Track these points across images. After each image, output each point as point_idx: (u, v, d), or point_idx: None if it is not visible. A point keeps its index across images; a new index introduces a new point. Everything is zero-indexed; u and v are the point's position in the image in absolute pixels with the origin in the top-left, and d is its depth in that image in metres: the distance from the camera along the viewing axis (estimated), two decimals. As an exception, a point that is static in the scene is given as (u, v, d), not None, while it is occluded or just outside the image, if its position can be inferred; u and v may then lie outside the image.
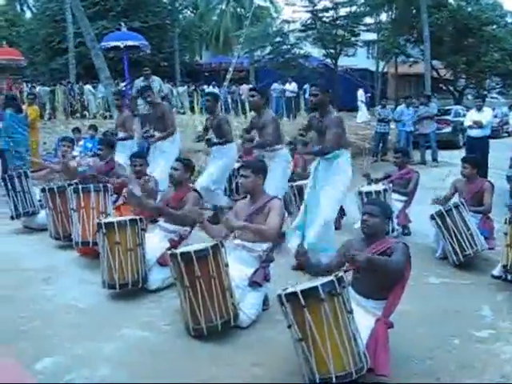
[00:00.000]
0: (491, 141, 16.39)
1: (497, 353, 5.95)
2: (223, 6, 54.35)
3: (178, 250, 6.27)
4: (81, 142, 15.61)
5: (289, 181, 10.70)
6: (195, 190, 8.09)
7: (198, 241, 7.45)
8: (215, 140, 11.00)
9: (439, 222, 8.80)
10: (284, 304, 4.89)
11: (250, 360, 5.63)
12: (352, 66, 34.74)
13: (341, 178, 8.32)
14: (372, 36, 38.68)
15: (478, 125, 15.71)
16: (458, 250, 8.62)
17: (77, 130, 16.48)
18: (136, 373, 5.39)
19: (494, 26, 36.91)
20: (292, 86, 32.81)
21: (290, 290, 4.92)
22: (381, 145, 21.51)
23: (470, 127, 16.07)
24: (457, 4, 37.00)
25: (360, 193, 9.99)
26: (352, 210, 10.36)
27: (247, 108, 31.84)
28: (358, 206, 9.77)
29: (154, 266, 7.52)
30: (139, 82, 16.86)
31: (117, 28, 26.14)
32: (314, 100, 8.40)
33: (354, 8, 32.79)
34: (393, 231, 9.53)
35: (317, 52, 34.71)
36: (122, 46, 17.14)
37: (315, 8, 31.48)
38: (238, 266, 6.57)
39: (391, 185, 10.39)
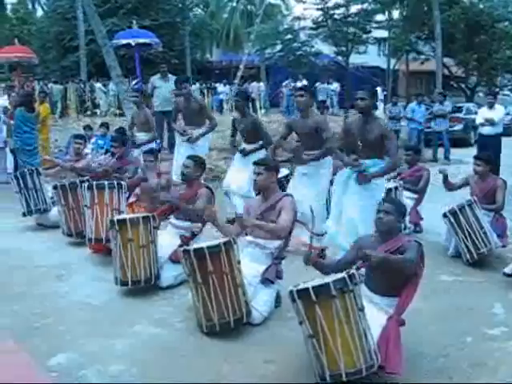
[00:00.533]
0: (503, 138, 16.31)
1: (509, 351, 5.93)
2: (234, 4, 54.29)
3: (191, 247, 6.31)
4: (92, 140, 15.62)
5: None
6: (207, 187, 8.09)
7: (209, 237, 7.49)
8: (247, 146, 10.39)
9: (452, 220, 8.75)
10: (295, 300, 4.89)
11: (262, 357, 5.64)
12: (363, 63, 34.58)
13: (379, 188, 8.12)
14: (383, 33, 38.53)
15: (490, 122, 15.63)
16: (471, 248, 8.59)
17: (88, 127, 16.50)
18: (148, 369, 5.42)
19: (506, 23, 36.65)
20: (303, 84, 32.79)
21: (302, 286, 4.93)
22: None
23: (482, 125, 15.99)
24: (469, 1, 36.80)
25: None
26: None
27: (257, 106, 31.94)
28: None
29: (166, 263, 7.53)
30: (155, 80, 16.88)
31: (128, 26, 26.18)
32: (361, 104, 7.85)
33: (365, 5, 32.63)
34: (404, 229, 9.50)
35: (328, 49, 34.57)
36: (133, 43, 17.18)
37: (326, 5, 31.38)
38: (250, 264, 6.59)
39: (402, 182, 10.36)
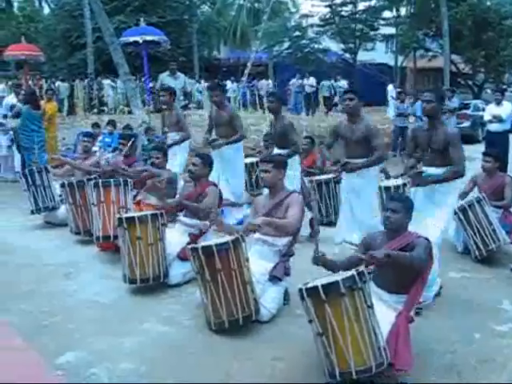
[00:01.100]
0: (511, 135, 16.28)
1: (518, 347, 5.94)
2: (241, 1, 54.26)
3: (200, 244, 6.32)
4: (100, 137, 15.63)
5: (308, 175, 10.71)
6: (214, 185, 8.10)
7: (217, 235, 7.51)
8: (279, 151, 9.89)
9: (461, 217, 8.77)
10: (305, 299, 4.89)
11: (270, 354, 5.64)
12: (370, 60, 34.55)
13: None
14: (391, 30, 38.48)
15: (498, 119, 15.59)
16: (480, 244, 8.60)
17: (96, 125, 16.50)
18: (157, 367, 5.43)
19: (514, 20, 36.67)
20: (310, 81, 32.81)
21: (311, 284, 4.94)
22: (400, 139, 21.40)
23: (490, 121, 15.96)
24: (476, -2, 36.80)
25: (379, 188, 9.92)
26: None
27: (265, 104, 31.90)
28: (378, 201, 9.71)
29: (175, 261, 7.55)
30: (164, 77, 16.85)
31: (135, 23, 26.18)
32: (428, 107, 7.15)
33: (372, 2, 32.64)
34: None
35: (335, 47, 34.57)
36: (141, 40, 17.09)
37: (334, 2, 31.39)
38: (259, 261, 6.59)
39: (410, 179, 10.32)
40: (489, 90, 38.11)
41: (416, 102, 22.48)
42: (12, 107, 15.16)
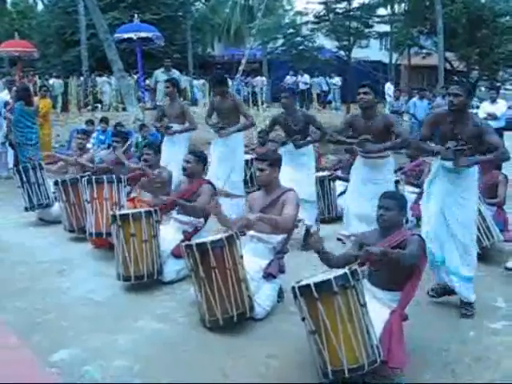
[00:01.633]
0: (506, 133, 16.31)
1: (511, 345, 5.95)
2: (234, -2, 54.24)
3: (194, 241, 6.31)
4: (94, 135, 15.61)
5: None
6: (209, 182, 8.09)
7: (211, 232, 7.51)
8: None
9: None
10: (297, 297, 4.90)
11: (264, 352, 5.64)
12: (365, 57, 34.52)
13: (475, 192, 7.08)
14: (385, 28, 38.43)
15: (492, 116, 15.63)
16: (475, 242, 8.62)
17: (90, 122, 16.49)
18: (151, 364, 5.43)
19: (508, 18, 36.59)
20: (304, 78, 32.89)
21: (304, 282, 4.94)
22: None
23: (484, 119, 15.98)
24: (470, -5, 36.82)
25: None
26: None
27: (259, 100, 31.92)
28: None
29: (169, 258, 7.55)
30: (159, 74, 16.85)
31: (129, 20, 26.13)
32: (455, 101, 6.60)
33: (367, -1, 32.67)
34: (406, 222, 9.47)
35: (330, 44, 34.50)
36: (135, 37, 17.11)
37: (328, -1, 31.36)
38: (253, 258, 6.59)
39: (403, 176, 10.34)
40: (483, 88, 38.17)
41: (410, 99, 22.53)
42: (6, 104, 15.13)
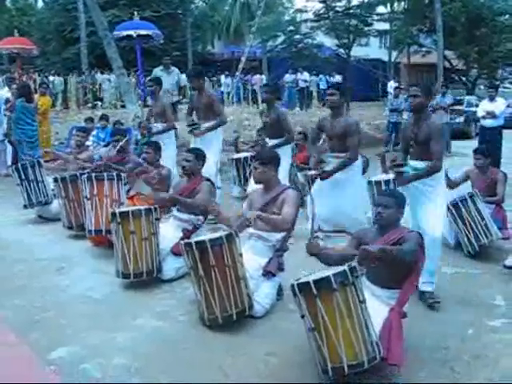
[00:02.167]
0: (505, 131, 16.31)
1: (510, 343, 5.94)
2: (234, -4, 54.21)
3: (193, 239, 6.31)
4: (93, 132, 15.58)
5: (301, 170, 10.71)
6: (208, 180, 8.08)
7: (210, 230, 7.51)
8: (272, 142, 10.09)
9: (454, 212, 8.78)
10: (297, 294, 4.90)
11: (264, 349, 5.64)
12: (364, 56, 34.56)
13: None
14: (385, 26, 38.49)
15: (491, 115, 15.64)
16: (472, 239, 8.61)
17: (90, 119, 16.46)
18: (150, 362, 5.42)
19: (507, 16, 36.72)
20: (304, 76, 32.87)
21: (303, 280, 4.95)
22: (393, 135, 21.42)
23: (483, 117, 16.00)
24: (469, -6, 36.85)
25: (369, 182, 9.95)
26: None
27: (259, 98, 31.92)
28: (369, 196, 9.72)
29: (168, 256, 7.53)
30: (158, 72, 16.84)
31: (129, 17, 26.11)
32: (414, 102, 6.98)
33: (366, -3, 32.69)
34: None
35: (329, 42, 34.53)
36: (134, 35, 17.06)
37: (328, -3, 31.37)
38: (252, 256, 6.58)
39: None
40: (482, 86, 38.21)
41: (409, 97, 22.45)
42: (6, 101, 15.12)
